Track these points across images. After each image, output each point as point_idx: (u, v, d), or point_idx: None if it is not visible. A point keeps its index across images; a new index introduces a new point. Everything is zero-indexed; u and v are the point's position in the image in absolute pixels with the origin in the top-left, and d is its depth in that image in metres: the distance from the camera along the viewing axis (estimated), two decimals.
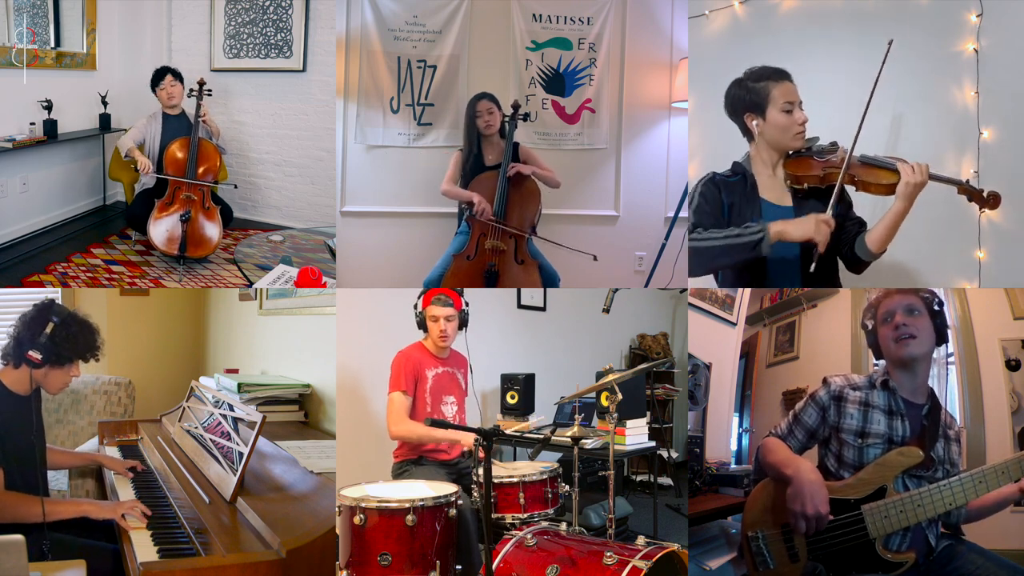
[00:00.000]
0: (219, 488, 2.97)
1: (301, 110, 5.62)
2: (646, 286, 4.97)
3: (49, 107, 4.95)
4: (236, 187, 5.21)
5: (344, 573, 2.79)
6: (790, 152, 3.23)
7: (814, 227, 2.98)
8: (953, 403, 4.10)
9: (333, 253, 4.57)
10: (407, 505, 2.76)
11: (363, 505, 2.78)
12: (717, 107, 3.38)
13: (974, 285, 3.90)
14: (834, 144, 3.19)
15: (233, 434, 3.13)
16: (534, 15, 5.03)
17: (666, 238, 4.88)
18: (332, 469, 3.16)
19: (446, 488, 2.99)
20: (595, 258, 4.39)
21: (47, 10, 5.05)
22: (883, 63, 3.10)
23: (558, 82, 5.12)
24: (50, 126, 4.98)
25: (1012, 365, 3.89)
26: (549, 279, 4.37)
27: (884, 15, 4.04)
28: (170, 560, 2.38)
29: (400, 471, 3.72)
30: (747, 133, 3.28)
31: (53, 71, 5.10)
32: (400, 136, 4.98)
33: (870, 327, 2.99)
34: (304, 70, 5.58)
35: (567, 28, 5.08)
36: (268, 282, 4.09)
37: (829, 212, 3.01)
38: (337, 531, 2.73)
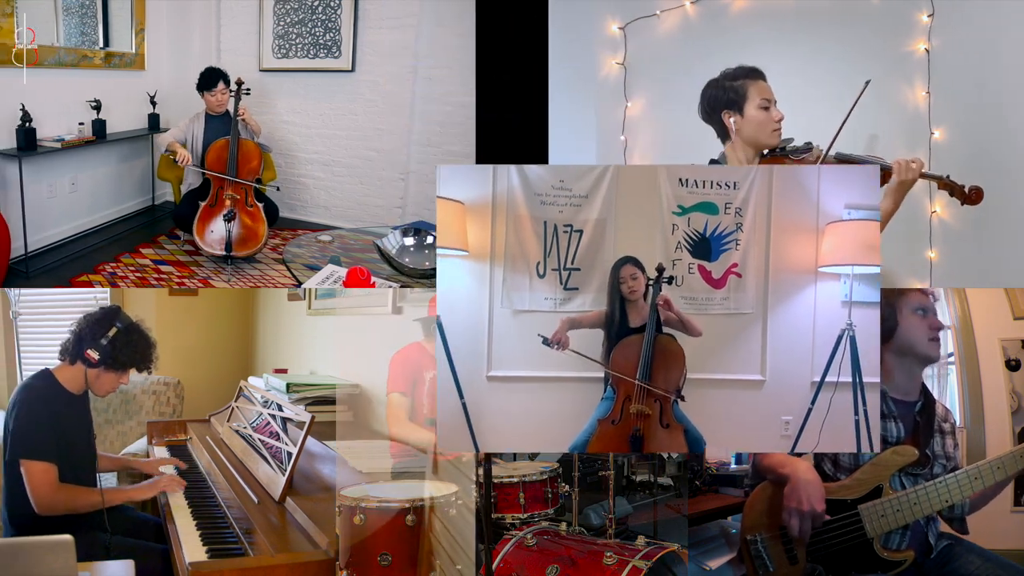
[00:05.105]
0: (268, 488, 2.99)
1: (350, 110, 5.60)
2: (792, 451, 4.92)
3: (98, 107, 4.98)
4: (279, 189, 5.19)
5: (344, 573, 2.77)
6: (764, 152, 3.35)
7: None
8: (953, 403, 4.09)
9: (382, 252, 4.52)
10: (407, 505, 2.75)
11: (363, 505, 2.76)
12: (666, 106, 3.57)
13: (925, 285, 3.99)
14: (809, 144, 3.28)
15: (282, 434, 3.16)
16: (680, 180, 4.96)
17: (812, 402, 4.76)
18: (382, 469, 3.14)
19: (446, 488, 2.98)
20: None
21: (96, 10, 5.09)
22: (858, 98, 3.22)
23: (704, 246, 5.01)
24: (99, 126, 5.00)
25: (1012, 365, 3.86)
26: (694, 443, 4.31)
27: (835, 14, 4.10)
28: (219, 560, 2.41)
29: (400, 471, 3.70)
30: (722, 133, 3.41)
31: (102, 71, 5.14)
32: (546, 301, 4.88)
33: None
34: (353, 70, 5.55)
35: (713, 193, 4.97)
36: (317, 282, 4.08)
37: None
38: (337, 531, 2.73)
